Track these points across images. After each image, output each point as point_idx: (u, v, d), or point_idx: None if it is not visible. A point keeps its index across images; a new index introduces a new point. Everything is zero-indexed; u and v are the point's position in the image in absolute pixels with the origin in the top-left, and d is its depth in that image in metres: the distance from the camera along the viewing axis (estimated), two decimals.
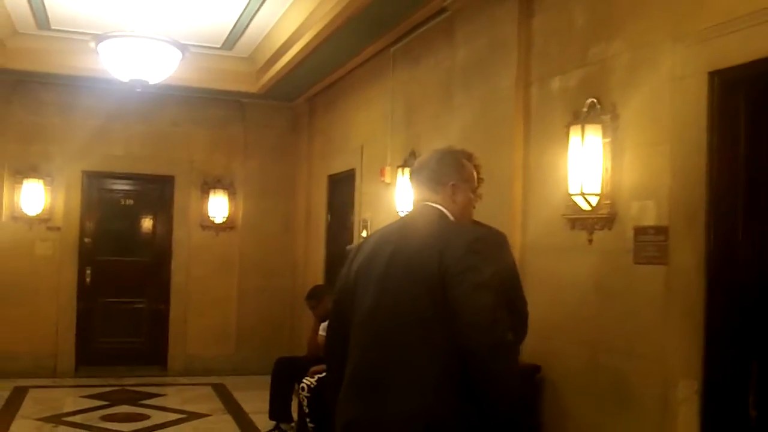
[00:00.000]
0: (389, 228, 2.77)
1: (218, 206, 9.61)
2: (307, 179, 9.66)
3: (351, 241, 7.65)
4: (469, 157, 2.80)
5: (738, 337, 3.21)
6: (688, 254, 3.34)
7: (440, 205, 2.63)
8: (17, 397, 7.72)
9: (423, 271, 2.42)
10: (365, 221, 7.34)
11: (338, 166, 8.49)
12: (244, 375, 9.08)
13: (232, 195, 9.70)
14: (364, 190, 7.58)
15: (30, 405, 7.46)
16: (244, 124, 9.81)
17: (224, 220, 9.62)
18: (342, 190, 8.35)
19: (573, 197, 4.01)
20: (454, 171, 2.68)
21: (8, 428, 6.59)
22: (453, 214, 2.63)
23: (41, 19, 7.58)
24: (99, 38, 6.24)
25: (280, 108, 9.80)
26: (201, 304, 9.58)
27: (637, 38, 3.80)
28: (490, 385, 2.37)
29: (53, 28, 7.81)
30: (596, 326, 3.98)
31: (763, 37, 3.04)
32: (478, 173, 2.82)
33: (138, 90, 6.55)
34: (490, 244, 2.69)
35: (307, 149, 9.68)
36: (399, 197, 6.28)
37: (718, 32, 3.25)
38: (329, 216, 8.88)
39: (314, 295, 6.63)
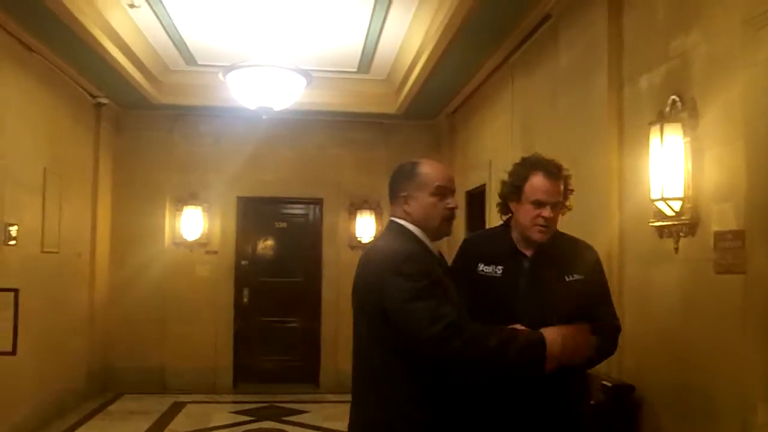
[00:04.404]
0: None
1: (365, 226, 9.81)
2: None
3: None
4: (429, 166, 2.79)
5: None
6: (764, 261, 2.99)
7: (398, 217, 2.78)
8: (173, 411, 8.23)
9: (365, 285, 2.69)
10: None
11: (473, 181, 8.39)
12: None
13: (378, 215, 9.86)
14: (492, 205, 7.40)
15: (182, 419, 7.92)
16: (387, 145, 9.96)
17: (372, 239, 9.78)
18: (477, 205, 8.23)
19: (655, 202, 3.72)
20: (406, 181, 2.76)
21: None
22: (416, 224, 2.74)
23: (187, 56, 8.13)
24: (226, 70, 6.64)
25: (421, 126, 9.89)
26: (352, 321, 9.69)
27: (711, 26, 3.48)
28: (465, 364, 2.51)
29: (200, 63, 8.34)
30: (683, 341, 3.66)
31: None
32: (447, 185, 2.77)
33: (264, 117, 6.88)
34: (413, 261, 2.61)
35: (447, 165, 9.61)
36: None
37: None
38: (469, 233, 8.77)
39: None
